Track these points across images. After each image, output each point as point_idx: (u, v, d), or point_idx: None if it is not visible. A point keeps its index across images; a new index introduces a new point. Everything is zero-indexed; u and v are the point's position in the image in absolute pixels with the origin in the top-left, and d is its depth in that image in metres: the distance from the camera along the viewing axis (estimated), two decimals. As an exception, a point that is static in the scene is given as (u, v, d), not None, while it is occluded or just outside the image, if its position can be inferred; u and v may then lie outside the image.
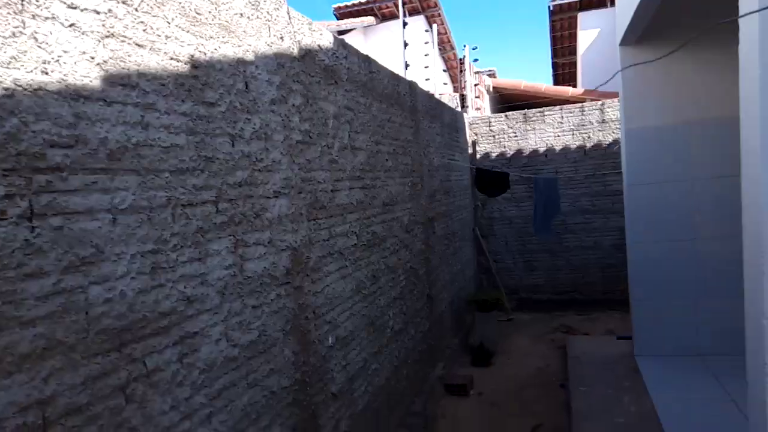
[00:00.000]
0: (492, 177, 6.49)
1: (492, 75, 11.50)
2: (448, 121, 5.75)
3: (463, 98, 7.14)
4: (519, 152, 6.84)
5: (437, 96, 5.55)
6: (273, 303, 2.15)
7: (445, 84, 7.82)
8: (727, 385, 3.59)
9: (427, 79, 6.73)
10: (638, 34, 3.84)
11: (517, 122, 6.84)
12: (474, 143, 7.02)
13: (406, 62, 5.58)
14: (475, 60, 7.86)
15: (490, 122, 6.98)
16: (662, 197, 4.13)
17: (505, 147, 6.91)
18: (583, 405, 3.67)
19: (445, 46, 10.13)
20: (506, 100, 9.82)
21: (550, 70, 11.88)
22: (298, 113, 2.42)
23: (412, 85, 4.29)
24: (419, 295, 4.31)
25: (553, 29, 10.56)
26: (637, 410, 3.46)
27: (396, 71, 4.03)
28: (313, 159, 2.54)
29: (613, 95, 7.07)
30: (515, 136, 6.85)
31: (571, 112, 6.61)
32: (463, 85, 7.29)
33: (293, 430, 2.25)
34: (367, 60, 3.31)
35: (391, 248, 3.66)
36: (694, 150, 4.01)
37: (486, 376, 4.86)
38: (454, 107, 6.41)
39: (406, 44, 5.68)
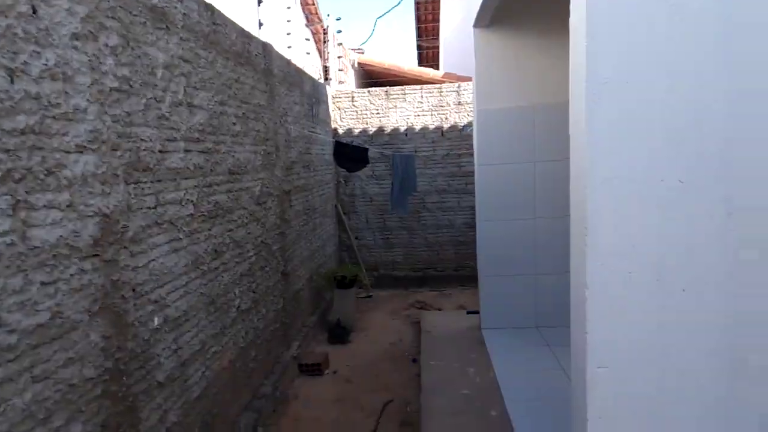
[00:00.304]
0: (351, 151, 6.40)
1: (361, 53, 11.40)
2: (309, 91, 5.50)
3: (326, 70, 6.92)
4: (381, 129, 6.82)
5: (299, 65, 5.27)
6: (74, 279, 1.79)
7: (308, 54, 7.53)
8: (558, 354, 3.88)
9: (289, 47, 6.39)
10: (489, 16, 3.90)
11: (379, 99, 6.80)
12: (337, 117, 6.87)
13: (260, 21, 5.20)
14: (339, 31, 7.67)
15: (353, 97, 6.86)
16: (508, 178, 4.30)
17: (368, 123, 6.84)
18: (431, 378, 3.73)
19: (313, 17, 9.79)
20: (371, 78, 9.80)
21: (415, 52, 12.09)
22: (113, 55, 2.04)
23: (266, 47, 3.98)
24: (272, 271, 4.07)
25: (417, 10, 10.70)
26: (480, 381, 3.60)
27: (256, 33, 3.69)
28: (134, 112, 2.17)
29: (470, 78, 7.33)
30: (378, 113, 6.82)
31: (430, 93, 6.72)
32: (326, 57, 7.06)
33: (102, 426, 1.92)
34: (209, 9, 2.94)
35: (238, 221, 3.37)
36: (537, 133, 4.22)
37: (342, 354, 4.80)
38: (317, 78, 6.17)
39: (260, 1, 5.29)
